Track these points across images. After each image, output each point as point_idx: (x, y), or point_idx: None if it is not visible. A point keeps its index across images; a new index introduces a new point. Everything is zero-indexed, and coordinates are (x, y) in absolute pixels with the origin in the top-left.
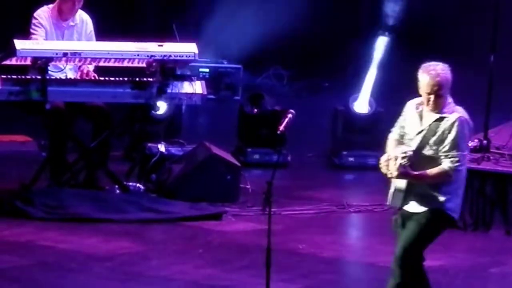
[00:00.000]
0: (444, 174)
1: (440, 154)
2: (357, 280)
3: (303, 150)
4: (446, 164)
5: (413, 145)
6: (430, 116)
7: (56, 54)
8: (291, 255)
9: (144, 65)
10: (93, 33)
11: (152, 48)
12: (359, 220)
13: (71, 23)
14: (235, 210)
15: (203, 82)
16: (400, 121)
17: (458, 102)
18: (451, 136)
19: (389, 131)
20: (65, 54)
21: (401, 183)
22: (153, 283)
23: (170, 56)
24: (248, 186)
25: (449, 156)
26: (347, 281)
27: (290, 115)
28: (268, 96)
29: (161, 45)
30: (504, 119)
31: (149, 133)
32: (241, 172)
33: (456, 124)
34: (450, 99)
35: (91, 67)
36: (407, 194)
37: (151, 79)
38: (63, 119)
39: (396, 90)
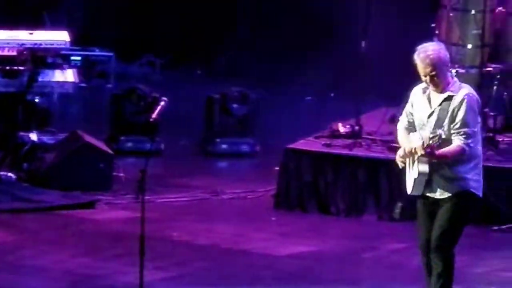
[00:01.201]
0: (460, 151)
1: (452, 131)
2: (231, 267)
3: (176, 138)
4: (458, 141)
5: (428, 128)
6: (438, 97)
7: None
8: (165, 243)
9: (15, 53)
10: None
11: (23, 36)
12: (233, 207)
13: None
14: (109, 198)
15: (75, 70)
16: (407, 108)
17: (331, 89)
18: (460, 114)
19: (264, 118)
20: None
21: (423, 171)
22: (27, 273)
23: (41, 44)
24: (122, 174)
25: (461, 133)
26: (221, 268)
27: (162, 103)
28: (142, 84)
29: (32, 33)
30: (375, 105)
31: (20, 122)
32: (114, 160)
33: (464, 101)
34: (454, 77)
35: None
36: (430, 181)
37: (22, 68)
38: None
39: (272, 79)
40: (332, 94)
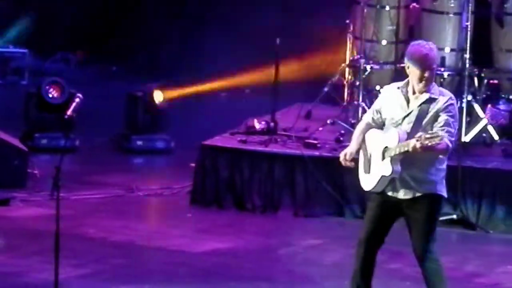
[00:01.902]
0: (446, 147)
1: (435, 130)
2: (147, 263)
3: (92, 135)
4: (444, 137)
5: (404, 127)
6: (418, 98)
7: None
8: (80, 240)
9: None
10: None
11: None
12: (148, 204)
13: None
14: (23, 196)
15: None
16: (376, 106)
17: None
18: (445, 116)
19: (179, 115)
20: None
21: (397, 170)
22: None
23: None
24: (36, 171)
25: (445, 130)
26: (137, 265)
27: (78, 100)
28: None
29: None
30: (290, 101)
31: None
32: (29, 157)
33: (449, 104)
34: None
35: None
36: (393, 180)
37: None
38: None
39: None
40: (247, 91)
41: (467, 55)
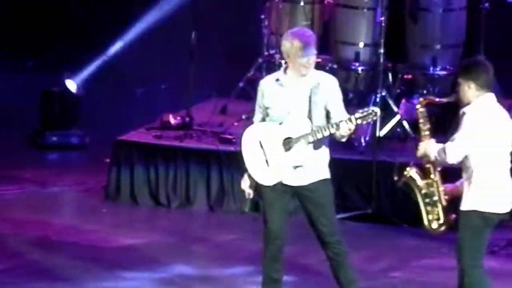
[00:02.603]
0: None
1: (337, 114)
2: (61, 259)
3: (5, 130)
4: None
5: (295, 114)
6: (300, 83)
7: None
8: None
9: None
10: None
11: None
12: (63, 199)
13: None
14: None
15: None
16: (259, 103)
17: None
18: (338, 98)
19: (93, 110)
20: None
21: (299, 159)
22: None
23: None
24: None
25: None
26: (51, 260)
27: None
28: None
29: None
30: (206, 96)
31: None
32: None
33: (335, 85)
34: None
35: None
36: (295, 168)
37: None
38: None
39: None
40: (163, 86)
41: (381, 50)
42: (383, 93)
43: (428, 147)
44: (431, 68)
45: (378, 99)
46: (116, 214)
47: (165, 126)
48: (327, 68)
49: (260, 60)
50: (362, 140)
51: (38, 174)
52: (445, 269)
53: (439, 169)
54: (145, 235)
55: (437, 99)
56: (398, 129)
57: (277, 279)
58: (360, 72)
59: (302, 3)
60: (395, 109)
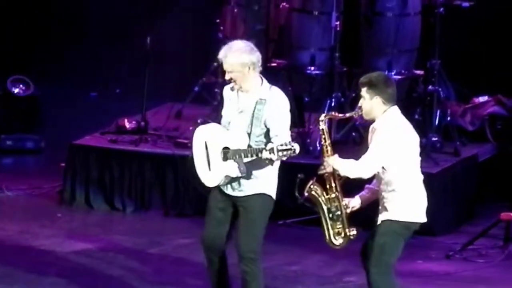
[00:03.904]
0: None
1: (275, 137)
2: (16, 264)
3: None
4: (295, 147)
5: (236, 125)
6: (247, 98)
7: None
8: None
9: None
10: None
11: None
12: (18, 204)
13: None
14: None
15: None
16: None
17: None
18: (278, 120)
19: (48, 114)
20: None
21: (234, 172)
22: None
23: None
24: None
25: (283, 136)
26: (6, 265)
27: None
28: None
29: None
30: (161, 100)
31: None
32: None
33: (279, 106)
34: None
35: None
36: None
37: None
38: None
39: (56, 72)
40: (117, 90)
41: (336, 54)
42: (338, 97)
43: (335, 163)
44: (386, 72)
45: (333, 103)
46: (71, 219)
47: (120, 130)
48: (282, 72)
49: (215, 64)
50: (317, 144)
51: None
52: (401, 272)
53: (339, 183)
54: (100, 239)
55: (340, 114)
56: (354, 133)
57: None
58: (315, 76)
59: (257, 8)
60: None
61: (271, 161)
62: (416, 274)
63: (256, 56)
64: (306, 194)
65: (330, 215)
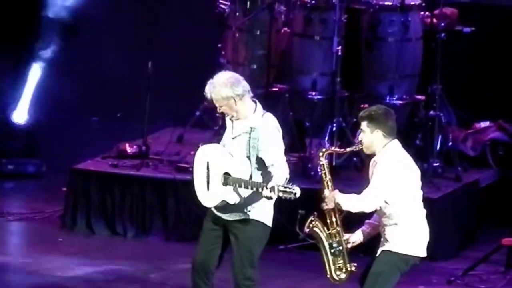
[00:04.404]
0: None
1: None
2: (18, 287)
3: None
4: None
5: (230, 150)
6: (240, 125)
7: None
8: None
9: None
10: None
11: None
12: (20, 228)
13: None
14: None
15: None
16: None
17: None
18: (271, 150)
19: (49, 138)
20: None
21: (233, 199)
22: None
23: None
24: None
25: (279, 168)
26: None
27: None
28: None
29: None
30: (162, 125)
31: None
32: None
33: (269, 134)
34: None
35: None
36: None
37: None
38: None
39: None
40: (118, 115)
41: (338, 79)
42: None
43: (337, 198)
44: (388, 97)
45: (334, 128)
46: (72, 243)
47: (122, 155)
48: (283, 97)
49: None
50: (319, 169)
51: None
52: None
53: (340, 218)
54: (101, 264)
55: (341, 149)
56: (355, 158)
57: None
58: (316, 101)
59: (258, 32)
60: (352, 138)
61: (270, 199)
62: None
63: (241, 87)
64: (307, 230)
65: (332, 250)
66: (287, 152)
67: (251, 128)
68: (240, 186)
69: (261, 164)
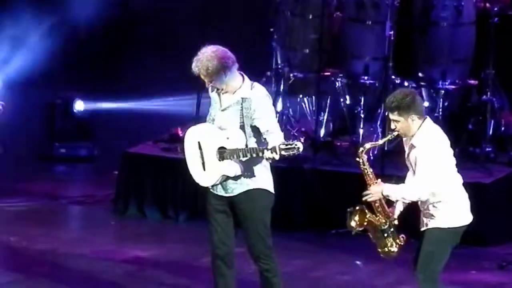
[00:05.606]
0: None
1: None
2: (69, 271)
3: (13, 143)
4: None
5: (218, 123)
6: (230, 97)
7: None
8: (2, 248)
9: None
10: None
11: None
12: (72, 212)
13: None
14: None
15: None
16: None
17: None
18: (265, 118)
19: (101, 122)
20: None
21: (232, 171)
22: None
23: None
24: None
25: (276, 134)
26: (59, 272)
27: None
28: None
29: None
30: None
31: None
32: None
33: (262, 102)
34: None
35: None
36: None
37: None
38: None
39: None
40: (172, 99)
41: (390, 64)
42: None
43: (385, 189)
44: (440, 82)
45: (386, 113)
46: (124, 227)
47: (174, 139)
48: (337, 81)
49: (268, 73)
50: (370, 154)
51: (47, 187)
52: (454, 283)
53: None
54: (152, 247)
55: (379, 141)
56: None
57: None
58: (368, 85)
59: (311, 17)
60: None
61: (273, 160)
62: (470, 285)
63: (229, 59)
64: (359, 228)
65: (385, 234)
66: (338, 136)
67: (242, 98)
68: (239, 157)
69: (255, 131)
